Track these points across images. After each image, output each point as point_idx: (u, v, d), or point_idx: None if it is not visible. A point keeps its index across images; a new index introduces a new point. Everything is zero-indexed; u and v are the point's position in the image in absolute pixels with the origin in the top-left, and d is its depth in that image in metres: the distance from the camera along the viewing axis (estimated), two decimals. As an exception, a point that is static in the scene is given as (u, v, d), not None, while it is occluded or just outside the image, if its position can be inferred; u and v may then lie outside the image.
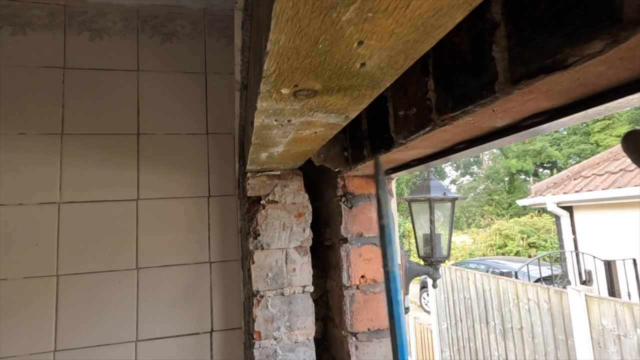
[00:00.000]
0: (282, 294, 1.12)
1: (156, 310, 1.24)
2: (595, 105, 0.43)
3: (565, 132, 19.55)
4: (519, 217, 15.73)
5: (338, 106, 0.55)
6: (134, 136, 1.30)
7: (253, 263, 1.11)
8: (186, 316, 1.27)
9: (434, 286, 2.28)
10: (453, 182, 23.89)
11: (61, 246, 1.20)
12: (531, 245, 13.24)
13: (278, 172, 1.16)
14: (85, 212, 1.23)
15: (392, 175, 1.13)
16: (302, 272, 1.14)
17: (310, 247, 1.18)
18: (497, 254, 13.06)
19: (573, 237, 6.86)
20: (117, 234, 1.24)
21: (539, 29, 0.38)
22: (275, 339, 1.10)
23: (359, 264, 1.11)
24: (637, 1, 0.29)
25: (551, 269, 6.56)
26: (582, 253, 6.43)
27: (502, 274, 6.47)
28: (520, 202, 7.91)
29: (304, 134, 0.70)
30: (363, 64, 0.41)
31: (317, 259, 1.30)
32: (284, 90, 0.48)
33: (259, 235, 1.12)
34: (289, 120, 0.61)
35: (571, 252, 6.74)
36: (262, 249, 1.12)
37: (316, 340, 1.22)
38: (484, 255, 13.37)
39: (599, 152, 9.39)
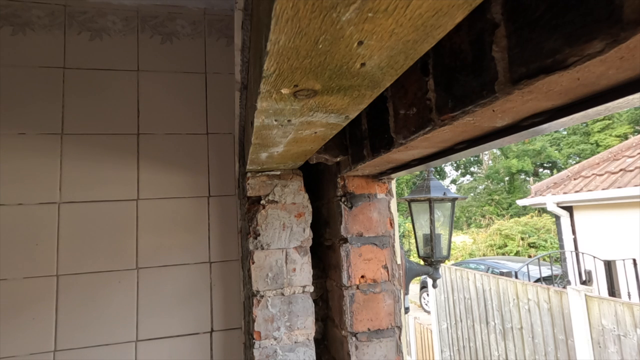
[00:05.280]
0: (282, 294, 1.12)
1: (156, 310, 1.24)
2: (595, 105, 0.43)
3: (565, 132, 19.57)
4: (519, 217, 15.73)
5: (338, 106, 0.55)
6: (134, 136, 1.30)
7: (253, 263, 1.11)
8: (186, 316, 1.27)
9: (434, 286, 2.28)
10: (453, 182, 23.89)
11: (61, 246, 1.20)
12: (531, 245, 13.24)
13: (278, 172, 1.16)
14: (85, 212, 1.23)
15: (392, 175, 1.13)
16: (302, 272, 1.14)
17: (310, 247, 1.18)
18: (497, 254, 13.06)
19: (573, 237, 6.86)
20: (117, 234, 1.24)
21: (539, 29, 0.38)
22: (275, 339, 1.10)
23: (359, 264, 1.11)
24: (637, 1, 0.29)
25: (551, 269, 6.56)
26: (582, 253, 6.43)
27: (502, 274, 6.47)
28: (520, 202, 7.90)
29: (304, 134, 0.70)
30: (363, 64, 0.41)
31: (317, 259, 1.30)
32: (284, 91, 0.48)
33: (259, 235, 1.12)
34: (289, 120, 0.61)
35: (571, 252, 6.74)
36: (262, 249, 1.12)
37: (316, 340, 1.22)
38: (484, 255, 13.37)
39: (599, 152, 9.40)
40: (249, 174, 1.14)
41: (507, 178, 20.05)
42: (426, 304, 9.70)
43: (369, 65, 0.42)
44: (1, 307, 1.14)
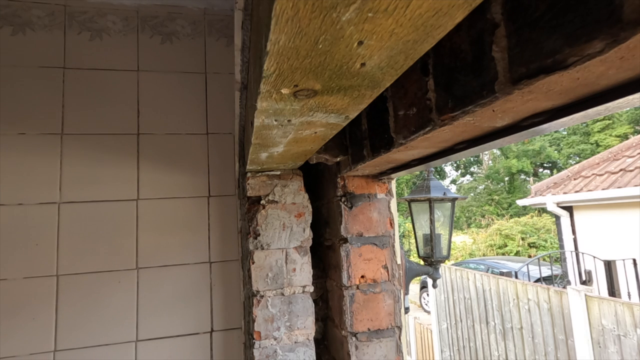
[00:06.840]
0: (282, 294, 1.12)
1: (156, 310, 1.24)
2: (595, 105, 0.43)
3: (565, 132, 19.58)
4: (519, 217, 15.73)
5: (338, 106, 0.55)
6: (134, 136, 1.30)
7: (253, 263, 1.11)
8: (186, 316, 1.27)
9: (434, 286, 2.28)
10: (453, 182, 23.88)
11: (61, 246, 1.20)
12: (531, 245, 13.24)
13: (278, 172, 1.16)
14: (85, 212, 1.23)
15: (392, 175, 1.13)
16: (302, 272, 1.14)
17: (310, 247, 1.18)
18: (497, 254, 13.06)
19: (573, 237, 6.86)
20: (117, 234, 1.24)
21: (539, 29, 0.38)
22: (275, 339, 1.10)
23: (359, 264, 1.11)
24: (637, 1, 0.29)
25: (551, 269, 6.56)
26: (582, 253, 6.43)
27: (502, 274, 6.47)
28: (520, 202, 7.90)
29: (304, 134, 0.70)
30: (363, 64, 0.41)
31: (317, 259, 1.30)
32: (284, 90, 0.48)
33: (259, 235, 1.12)
34: (289, 120, 0.61)
35: (571, 252, 6.74)
36: (262, 249, 1.12)
37: (316, 340, 1.22)
38: (484, 255, 13.37)
39: (599, 152, 9.40)
40: (249, 174, 1.14)
41: (507, 178, 20.06)
42: (426, 304, 9.70)
43: (369, 65, 0.42)
44: (1, 307, 1.14)
